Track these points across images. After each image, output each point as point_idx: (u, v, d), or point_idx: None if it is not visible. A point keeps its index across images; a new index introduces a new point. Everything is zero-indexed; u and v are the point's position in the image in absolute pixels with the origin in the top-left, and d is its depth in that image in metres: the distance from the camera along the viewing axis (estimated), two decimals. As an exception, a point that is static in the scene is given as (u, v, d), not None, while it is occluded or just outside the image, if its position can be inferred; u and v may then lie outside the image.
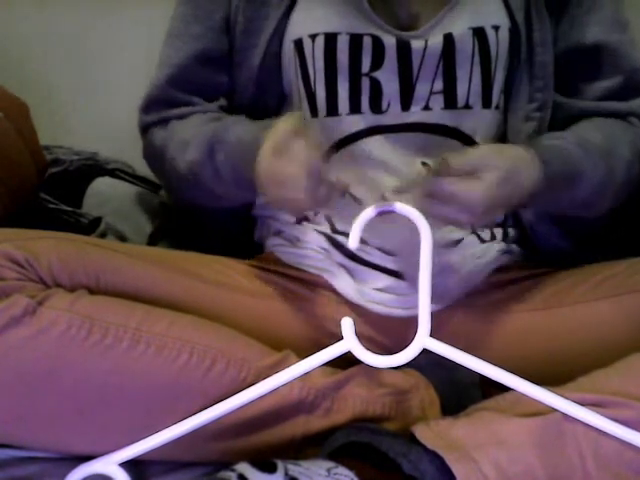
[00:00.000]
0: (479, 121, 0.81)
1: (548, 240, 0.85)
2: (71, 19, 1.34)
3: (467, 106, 0.80)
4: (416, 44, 0.78)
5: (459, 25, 0.79)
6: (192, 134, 0.81)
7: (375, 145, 0.81)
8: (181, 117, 0.85)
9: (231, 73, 0.85)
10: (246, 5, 0.82)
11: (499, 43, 0.79)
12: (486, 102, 0.81)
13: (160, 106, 0.87)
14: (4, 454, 0.70)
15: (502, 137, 0.83)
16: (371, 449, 0.64)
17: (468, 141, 0.81)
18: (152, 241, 1.05)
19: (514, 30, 0.80)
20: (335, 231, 0.81)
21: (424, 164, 0.79)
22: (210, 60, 0.85)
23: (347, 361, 0.66)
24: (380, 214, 0.64)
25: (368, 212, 0.63)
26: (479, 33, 0.79)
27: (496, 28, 0.79)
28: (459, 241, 0.81)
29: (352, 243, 0.63)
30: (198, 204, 0.86)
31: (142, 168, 1.24)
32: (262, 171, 0.68)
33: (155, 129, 0.87)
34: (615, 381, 0.64)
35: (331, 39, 0.79)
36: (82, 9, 1.33)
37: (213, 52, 0.85)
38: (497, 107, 0.82)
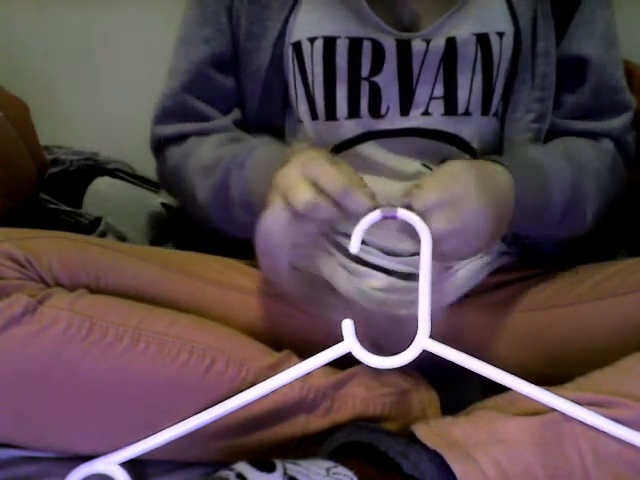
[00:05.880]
0: (478, 128, 0.80)
1: (542, 249, 0.85)
2: (71, 19, 1.35)
3: (467, 113, 0.79)
4: (417, 44, 0.77)
5: (463, 30, 0.77)
6: (212, 159, 0.79)
7: (374, 149, 0.80)
8: (200, 134, 0.83)
9: (239, 78, 0.84)
10: (248, 7, 0.81)
11: (502, 50, 0.78)
12: (485, 109, 0.80)
13: (175, 118, 0.85)
14: (4, 454, 0.70)
15: (499, 145, 0.82)
16: (371, 449, 0.64)
17: (466, 148, 0.80)
18: (155, 244, 1.05)
19: (517, 37, 0.79)
20: (335, 231, 0.81)
21: (425, 166, 0.79)
22: (222, 64, 0.84)
23: (347, 361, 0.66)
24: (384, 219, 0.63)
25: (371, 216, 0.63)
26: (483, 39, 0.77)
27: (500, 35, 0.78)
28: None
29: (353, 248, 0.63)
30: (219, 227, 0.83)
31: (142, 168, 1.25)
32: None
33: (171, 148, 0.85)
34: (614, 381, 0.64)
35: (330, 43, 0.78)
36: (82, 9, 1.34)
37: (225, 55, 0.83)
38: (495, 114, 0.81)
